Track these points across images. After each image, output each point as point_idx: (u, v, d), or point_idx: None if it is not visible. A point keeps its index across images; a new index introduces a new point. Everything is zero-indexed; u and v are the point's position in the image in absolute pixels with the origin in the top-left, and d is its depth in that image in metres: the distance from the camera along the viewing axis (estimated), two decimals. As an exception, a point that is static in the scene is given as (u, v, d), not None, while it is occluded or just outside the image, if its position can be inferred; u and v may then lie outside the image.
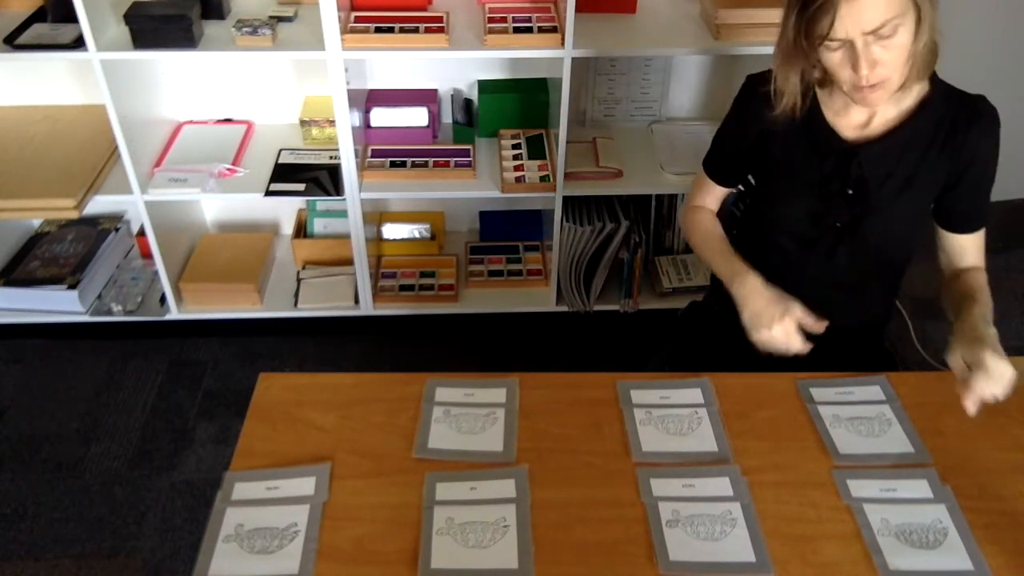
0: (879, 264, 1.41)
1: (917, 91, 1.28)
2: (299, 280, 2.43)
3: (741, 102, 1.42)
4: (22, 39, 1.93)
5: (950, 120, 1.28)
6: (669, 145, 2.31)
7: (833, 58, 1.18)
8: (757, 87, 1.36)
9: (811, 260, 1.41)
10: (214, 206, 2.55)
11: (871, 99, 1.21)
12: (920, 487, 1.12)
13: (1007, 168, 2.23)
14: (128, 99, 2.04)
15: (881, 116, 1.30)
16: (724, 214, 1.58)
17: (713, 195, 1.53)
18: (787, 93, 1.28)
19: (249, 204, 2.54)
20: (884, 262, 1.39)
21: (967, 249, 1.39)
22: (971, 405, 1.11)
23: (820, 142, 1.33)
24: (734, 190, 1.54)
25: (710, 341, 1.54)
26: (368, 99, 2.30)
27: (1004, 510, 1.09)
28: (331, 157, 2.25)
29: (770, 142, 1.38)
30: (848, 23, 1.12)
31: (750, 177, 1.52)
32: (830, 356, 1.42)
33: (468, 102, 2.36)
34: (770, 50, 1.93)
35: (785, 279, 1.44)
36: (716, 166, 1.50)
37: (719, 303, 1.56)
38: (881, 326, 1.54)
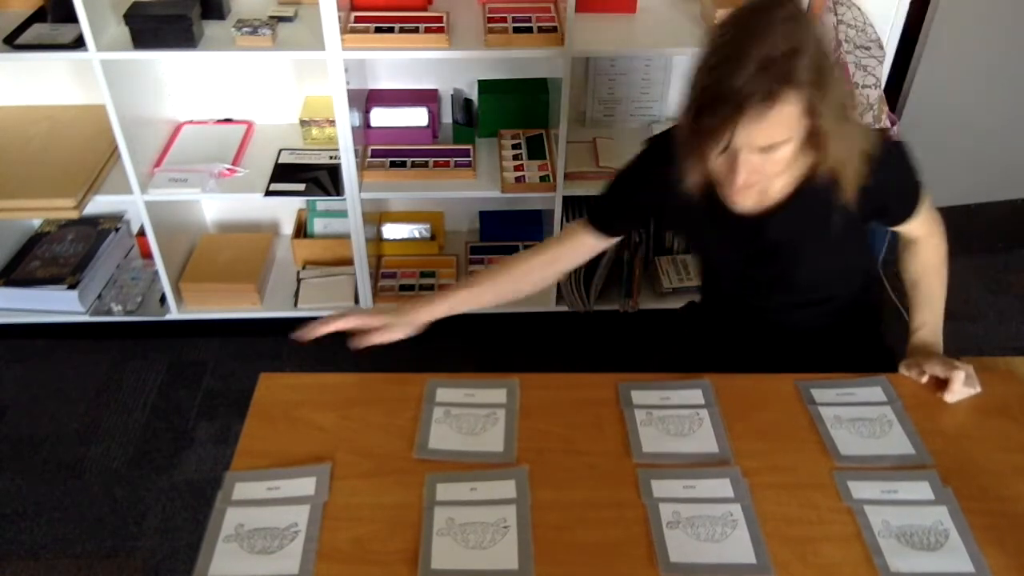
0: (826, 290, 1.39)
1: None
2: (299, 280, 2.43)
3: (646, 162, 1.35)
4: (22, 39, 1.93)
5: None
6: (669, 145, 2.30)
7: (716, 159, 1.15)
8: (663, 150, 1.27)
9: (755, 295, 1.41)
10: (214, 206, 2.55)
11: (736, 200, 1.20)
12: (921, 489, 1.11)
13: (1008, 169, 2.23)
14: (128, 99, 2.03)
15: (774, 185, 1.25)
16: None
17: (583, 247, 1.40)
18: (691, 178, 1.21)
19: (249, 204, 2.54)
20: (830, 286, 1.38)
21: (913, 229, 1.35)
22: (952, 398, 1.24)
23: (722, 218, 1.27)
24: (615, 240, 1.43)
25: (710, 342, 1.54)
26: (368, 99, 2.29)
27: (1005, 512, 1.09)
28: (331, 157, 2.25)
29: (677, 207, 1.30)
30: (740, 140, 1.08)
31: None
32: (831, 356, 1.42)
33: (468, 102, 2.36)
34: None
35: (743, 302, 1.45)
36: (607, 215, 1.39)
37: (713, 304, 1.56)
38: (872, 312, 1.52)
